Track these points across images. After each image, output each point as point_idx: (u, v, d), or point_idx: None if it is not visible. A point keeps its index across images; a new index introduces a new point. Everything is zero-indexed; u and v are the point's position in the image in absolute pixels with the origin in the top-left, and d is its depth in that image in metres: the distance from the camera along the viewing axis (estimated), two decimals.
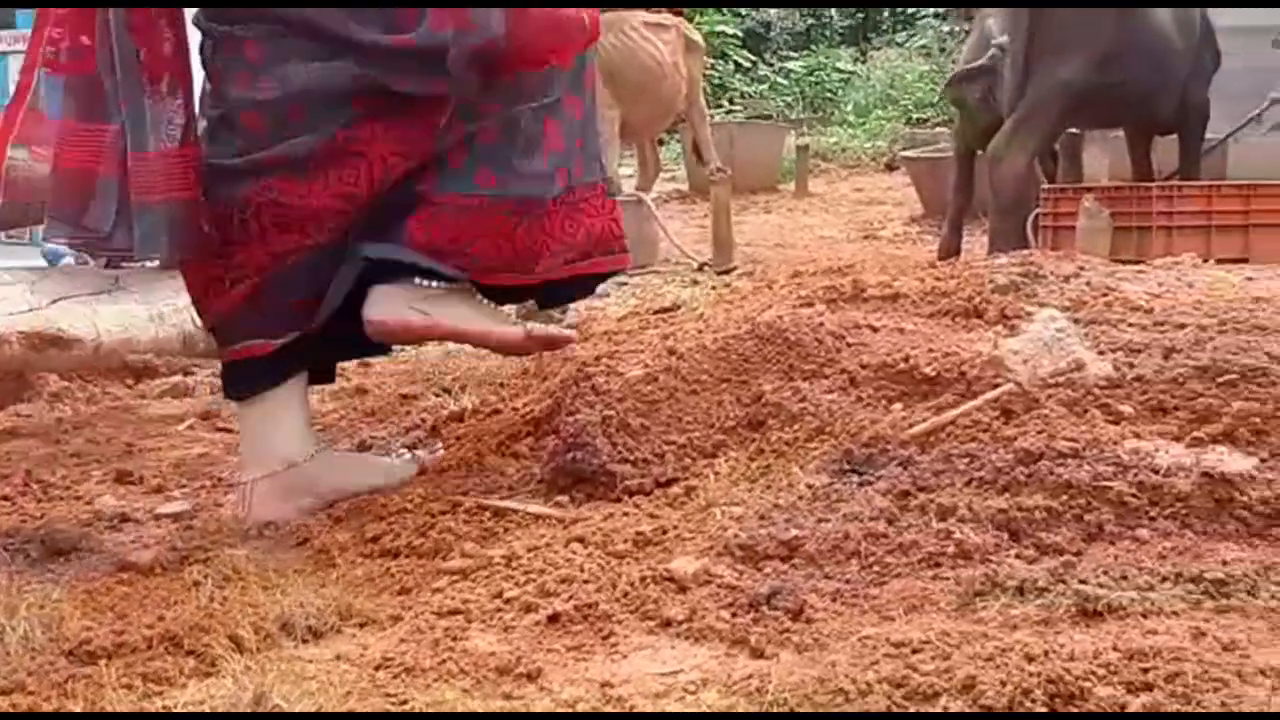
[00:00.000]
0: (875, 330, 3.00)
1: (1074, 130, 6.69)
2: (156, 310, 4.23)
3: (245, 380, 2.86)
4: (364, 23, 2.75)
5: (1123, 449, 2.45)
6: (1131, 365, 2.73)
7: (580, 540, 2.41)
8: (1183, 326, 2.94)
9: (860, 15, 19.29)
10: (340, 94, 2.74)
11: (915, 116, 15.17)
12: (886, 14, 19.00)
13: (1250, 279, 3.52)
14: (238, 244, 2.78)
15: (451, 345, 3.73)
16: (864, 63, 17.33)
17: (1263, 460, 2.42)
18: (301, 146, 2.74)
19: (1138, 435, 2.51)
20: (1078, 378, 2.69)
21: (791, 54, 17.81)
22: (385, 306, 2.76)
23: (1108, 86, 5.78)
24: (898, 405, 2.73)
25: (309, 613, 2.20)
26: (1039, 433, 2.51)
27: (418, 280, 2.78)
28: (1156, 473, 2.38)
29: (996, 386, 2.67)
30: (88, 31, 2.72)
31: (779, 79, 17.04)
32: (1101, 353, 2.82)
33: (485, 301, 2.94)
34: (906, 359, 2.82)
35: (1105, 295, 3.19)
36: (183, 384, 4.06)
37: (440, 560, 2.45)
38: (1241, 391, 2.58)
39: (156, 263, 2.90)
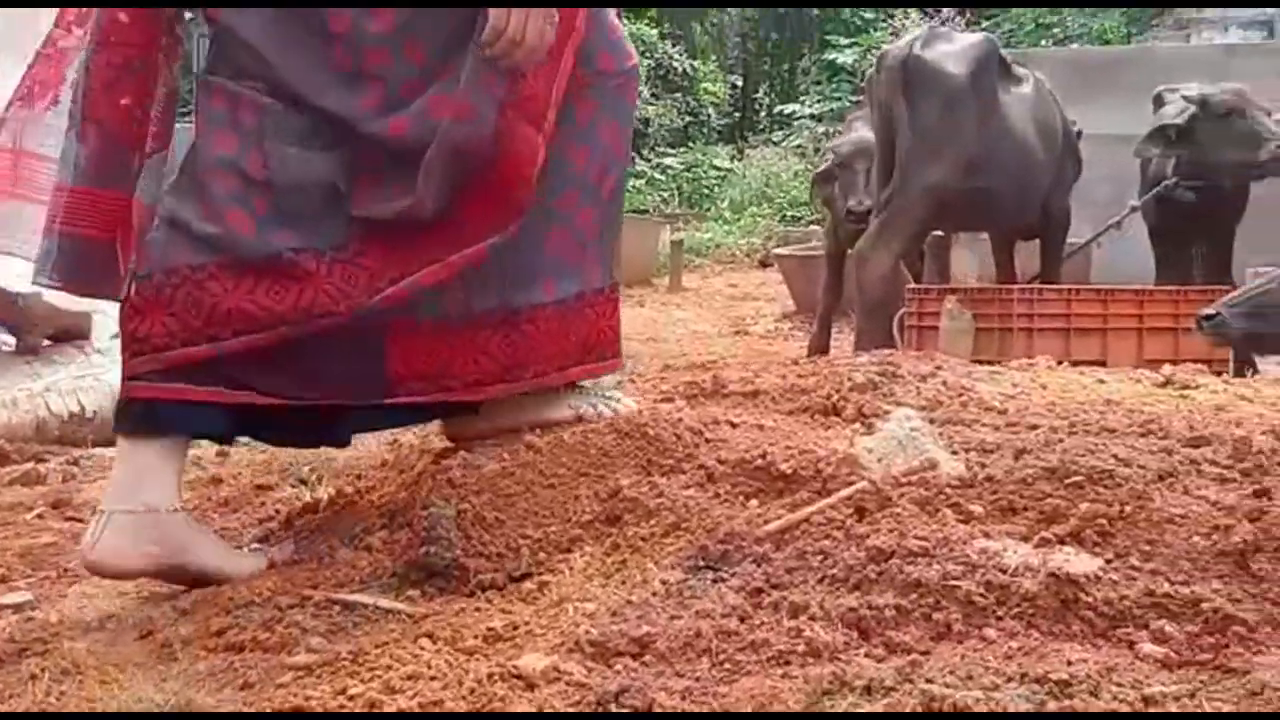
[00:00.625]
0: (734, 426, 3.02)
1: (940, 232, 6.82)
2: (10, 395, 4.15)
3: (145, 420, 2.75)
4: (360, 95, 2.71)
5: (972, 548, 2.47)
6: (983, 465, 2.77)
7: (429, 636, 2.38)
8: (1035, 428, 2.99)
9: (737, 114, 19.59)
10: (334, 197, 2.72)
11: (790, 214, 15.39)
12: (763, 113, 19.31)
13: (1102, 381, 3.59)
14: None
15: None
16: (740, 160, 17.58)
17: (1108, 561, 2.45)
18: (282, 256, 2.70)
19: (987, 535, 2.53)
20: (930, 477, 2.72)
21: (669, 150, 18.02)
22: None
23: (972, 192, 5.91)
24: (754, 502, 2.74)
25: (148, 708, 2.15)
26: (891, 531, 2.52)
27: None
28: (1004, 572, 2.40)
29: (851, 484, 2.69)
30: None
31: (656, 174, 17.21)
32: (955, 452, 2.86)
33: None
34: (764, 455, 2.84)
35: (961, 395, 3.23)
36: (34, 471, 3.97)
37: (286, 655, 2.40)
38: (1088, 493, 2.62)
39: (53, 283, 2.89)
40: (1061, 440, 2.85)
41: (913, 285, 6.16)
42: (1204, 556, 2.46)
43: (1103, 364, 5.04)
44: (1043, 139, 6.37)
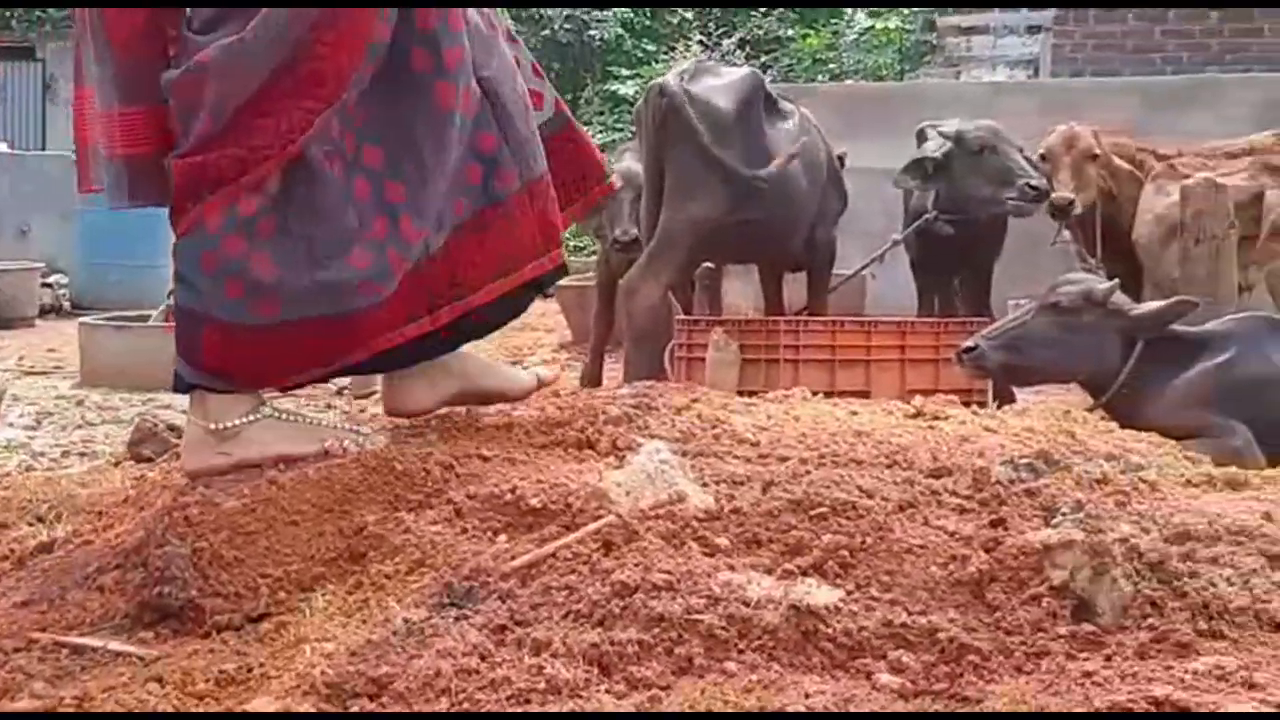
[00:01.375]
0: (486, 460, 2.98)
1: (710, 264, 6.88)
2: None
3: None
4: None
5: (716, 581, 2.47)
6: (732, 498, 2.78)
7: (159, 680, 2.30)
8: (785, 459, 3.01)
9: None
10: None
11: (572, 244, 15.41)
12: None
13: (855, 413, 3.63)
14: None
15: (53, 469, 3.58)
16: None
17: (848, 593, 2.48)
18: None
19: (732, 567, 2.54)
20: (678, 510, 2.72)
21: None
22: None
23: (738, 224, 5.96)
24: (502, 537, 2.71)
25: None
26: (636, 565, 2.51)
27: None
28: (747, 605, 2.41)
29: (599, 518, 2.68)
30: None
31: None
32: (705, 485, 2.86)
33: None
34: (514, 490, 2.81)
35: (715, 428, 3.24)
36: None
37: (9, 701, 2.30)
38: (832, 525, 2.64)
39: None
40: (809, 472, 2.87)
41: (682, 316, 6.19)
42: (941, 586, 2.50)
43: (867, 395, 5.12)
44: (808, 172, 6.47)
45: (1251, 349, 4.62)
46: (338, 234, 2.94)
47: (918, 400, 3.77)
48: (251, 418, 3.00)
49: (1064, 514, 2.68)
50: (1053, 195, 6.79)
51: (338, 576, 2.66)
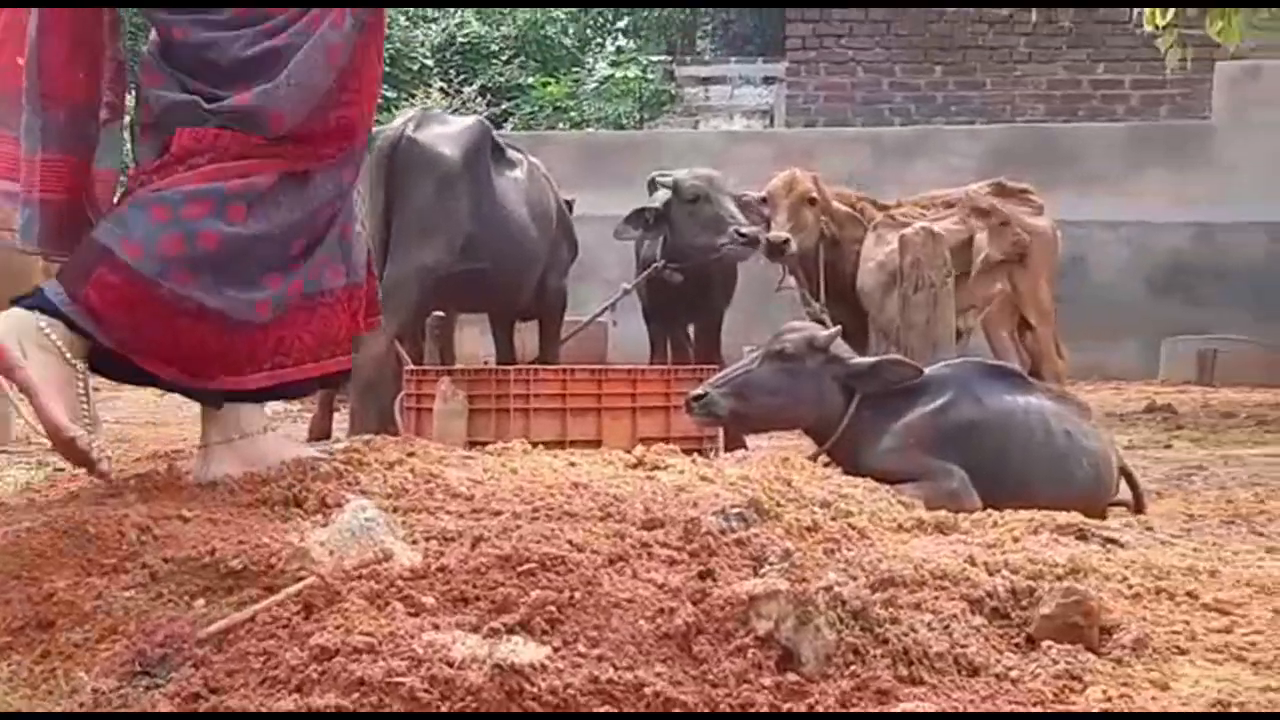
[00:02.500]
0: (186, 520, 2.88)
1: (441, 313, 6.82)
2: None
3: None
4: None
5: (419, 642, 2.41)
6: (440, 554, 2.72)
7: None
8: (498, 514, 2.98)
9: None
10: None
11: None
12: None
13: (574, 464, 3.61)
14: None
15: None
16: None
17: (555, 649, 2.44)
18: None
19: (437, 627, 2.48)
20: (383, 569, 2.65)
21: None
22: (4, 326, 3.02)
23: (466, 273, 5.92)
24: (200, 601, 2.62)
25: None
26: (337, 628, 2.44)
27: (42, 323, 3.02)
28: (450, 665, 2.36)
29: (301, 580, 2.60)
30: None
31: None
32: (415, 542, 2.81)
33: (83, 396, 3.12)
34: (213, 551, 2.71)
35: (428, 482, 3.19)
36: None
37: None
38: (540, 580, 2.61)
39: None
40: (520, 526, 2.84)
41: (411, 367, 6.11)
42: (648, 640, 2.48)
43: (599, 444, 5.11)
44: (537, 221, 6.47)
45: (966, 393, 4.72)
46: (280, 250, 3.17)
47: (639, 450, 3.76)
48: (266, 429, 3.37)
49: (771, 563, 2.69)
50: (768, 235, 6.92)
51: (25, 646, 2.53)
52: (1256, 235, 13.13)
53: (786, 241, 7.03)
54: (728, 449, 5.60)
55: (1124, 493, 4.80)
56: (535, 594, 2.55)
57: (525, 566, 2.64)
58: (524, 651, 2.42)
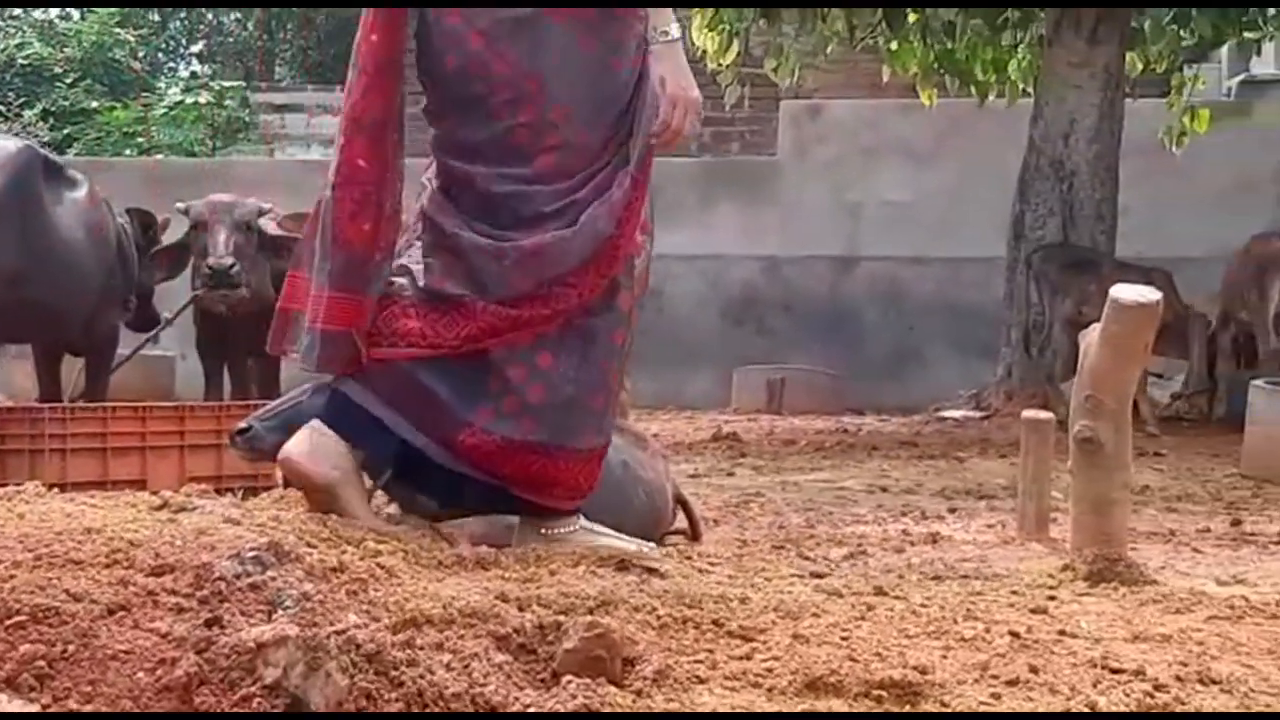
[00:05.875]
0: None
1: None
2: None
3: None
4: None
5: None
6: None
7: None
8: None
9: None
10: None
11: None
12: None
13: (94, 507, 3.40)
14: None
15: None
16: None
17: (45, 706, 2.28)
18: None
19: None
20: None
21: None
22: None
23: (15, 304, 5.60)
24: None
25: None
26: None
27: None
28: None
29: None
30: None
31: None
32: None
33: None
34: None
35: None
36: None
37: None
38: (30, 633, 2.42)
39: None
40: (16, 576, 2.63)
41: None
42: (146, 693, 2.34)
43: (144, 484, 4.88)
44: (93, 251, 6.17)
45: None
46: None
47: (165, 492, 3.58)
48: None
49: (286, 607, 2.58)
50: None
51: None
52: (818, 268, 13.70)
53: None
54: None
55: (683, 521, 4.85)
56: (25, 648, 2.36)
57: (14, 620, 2.45)
58: (10, 708, 2.24)
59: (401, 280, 3.67)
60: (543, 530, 3.75)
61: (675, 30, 3.63)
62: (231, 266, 6.71)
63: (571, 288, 3.61)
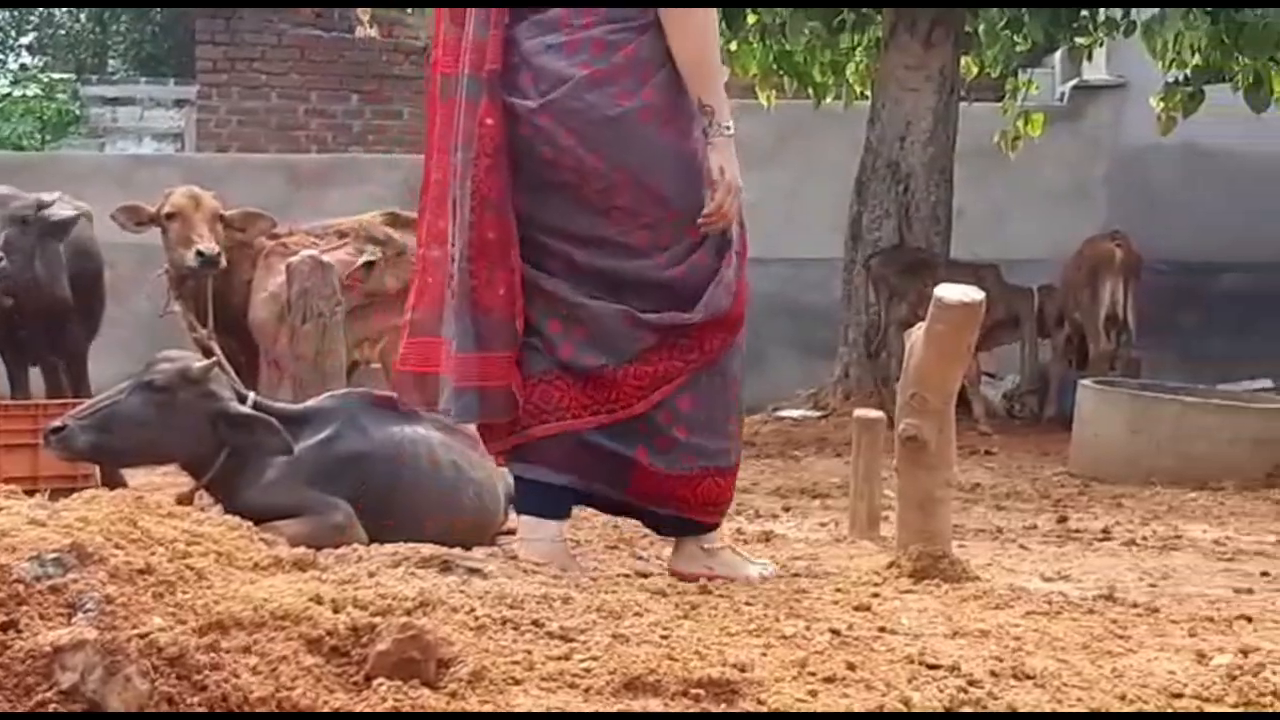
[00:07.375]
0: None
1: None
2: None
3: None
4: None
5: None
6: None
7: None
8: None
9: None
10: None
11: None
12: None
13: None
14: None
15: None
16: None
17: None
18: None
19: None
20: None
21: None
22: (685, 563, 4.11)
23: None
24: None
25: None
26: None
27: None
28: None
29: None
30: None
31: None
32: None
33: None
34: None
35: None
36: None
37: None
38: None
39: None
40: None
41: None
42: None
43: None
44: None
45: (352, 425, 4.61)
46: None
47: None
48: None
49: (87, 610, 2.49)
50: (200, 247, 6.68)
51: None
52: None
53: (219, 254, 6.80)
54: (108, 485, 5.28)
55: (515, 521, 4.79)
56: None
57: None
58: None
59: (534, 354, 4.03)
60: (704, 546, 4.11)
61: (732, 126, 3.99)
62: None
63: (696, 342, 4.01)
